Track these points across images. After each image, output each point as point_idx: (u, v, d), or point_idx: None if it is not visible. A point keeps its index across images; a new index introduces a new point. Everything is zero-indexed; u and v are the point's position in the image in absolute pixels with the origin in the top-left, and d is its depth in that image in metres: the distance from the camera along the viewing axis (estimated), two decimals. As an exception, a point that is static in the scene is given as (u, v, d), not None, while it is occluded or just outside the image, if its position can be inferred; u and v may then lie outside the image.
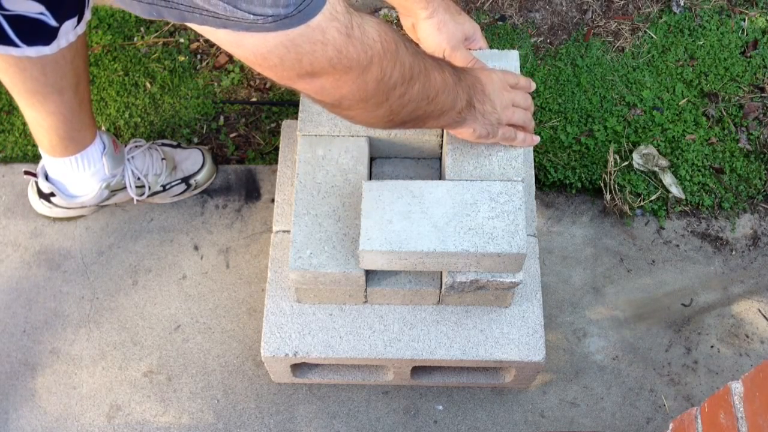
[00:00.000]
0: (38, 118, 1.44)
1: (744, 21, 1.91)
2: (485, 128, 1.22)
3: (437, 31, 1.30)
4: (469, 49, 1.35)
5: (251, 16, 0.77)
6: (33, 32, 1.13)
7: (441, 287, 1.35)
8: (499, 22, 1.92)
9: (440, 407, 1.56)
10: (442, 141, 1.40)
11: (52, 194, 1.60)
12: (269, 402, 1.56)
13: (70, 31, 1.20)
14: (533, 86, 1.31)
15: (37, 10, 1.09)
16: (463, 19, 1.33)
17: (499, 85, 1.22)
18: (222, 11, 0.76)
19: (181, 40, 1.90)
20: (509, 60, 1.37)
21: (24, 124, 1.71)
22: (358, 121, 1.04)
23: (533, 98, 1.81)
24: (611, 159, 1.71)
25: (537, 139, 1.30)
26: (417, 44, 1.08)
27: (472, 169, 1.29)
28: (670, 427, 1.09)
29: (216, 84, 1.85)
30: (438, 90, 1.07)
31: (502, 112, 1.23)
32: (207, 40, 1.91)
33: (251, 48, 0.82)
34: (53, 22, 1.13)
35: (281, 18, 0.78)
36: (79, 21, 1.20)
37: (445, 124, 1.18)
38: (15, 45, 1.12)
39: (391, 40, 0.94)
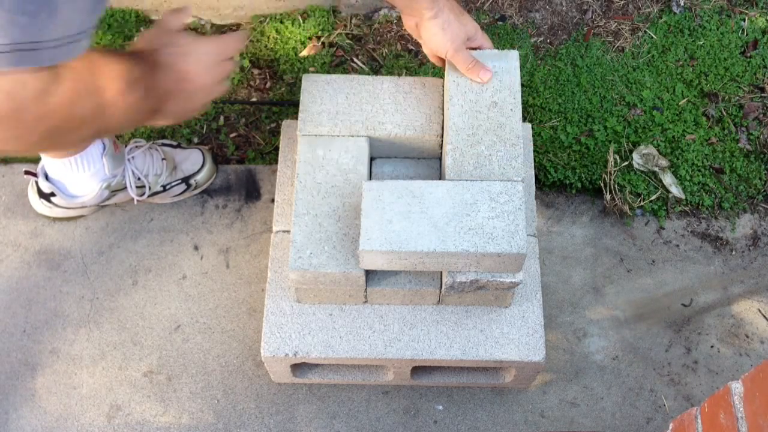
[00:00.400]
0: None
1: (744, 21, 1.91)
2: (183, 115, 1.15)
3: (442, 32, 1.30)
4: (471, 48, 1.36)
5: None
6: None
7: (441, 287, 1.35)
8: (499, 22, 1.92)
9: (440, 407, 1.56)
10: (442, 141, 1.40)
11: (53, 194, 1.60)
12: (269, 402, 1.56)
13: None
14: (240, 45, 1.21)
15: None
16: (466, 20, 1.33)
17: (208, 71, 1.13)
18: None
19: (181, 40, 1.90)
20: (509, 60, 1.37)
21: (24, 124, 1.71)
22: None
23: (534, 98, 1.81)
24: (611, 159, 1.71)
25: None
26: (114, 64, 0.96)
27: (472, 169, 1.29)
28: (670, 427, 1.09)
29: (216, 84, 1.84)
30: (123, 114, 0.99)
31: (204, 97, 1.15)
32: (207, 40, 1.91)
33: None
34: None
35: None
36: None
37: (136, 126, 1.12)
38: None
39: (81, 91, 0.87)
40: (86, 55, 0.87)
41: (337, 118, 1.39)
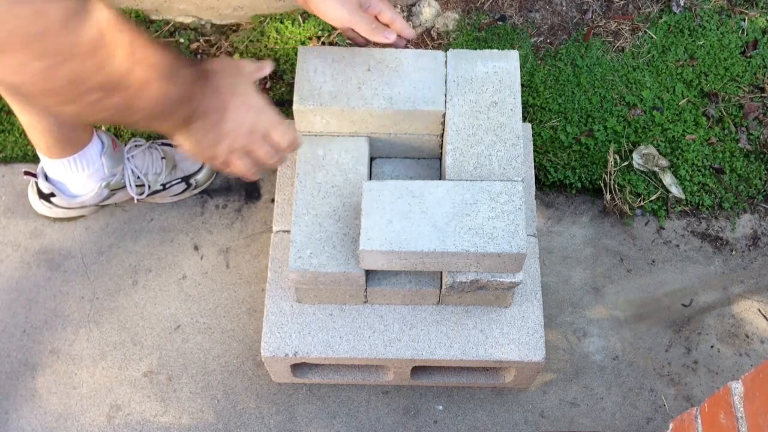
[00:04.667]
0: (32, 121, 1.44)
1: (744, 21, 1.91)
2: (202, 153, 1.10)
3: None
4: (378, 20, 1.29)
5: None
6: None
7: (441, 287, 1.35)
8: (499, 22, 1.92)
9: (440, 407, 1.56)
10: (442, 141, 1.40)
11: (52, 194, 1.60)
12: (269, 402, 1.56)
13: None
14: (293, 147, 1.17)
15: None
16: None
17: (247, 129, 1.10)
18: None
19: (181, 40, 1.90)
20: (509, 60, 1.37)
21: (24, 124, 1.71)
22: (40, 108, 0.91)
23: (534, 98, 1.81)
24: (611, 159, 1.71)
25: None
26: (157, 46, 0.93)
27: (472, 169, 1.29)
28: (670, 427, 1.09)
29: (216, 84, 1.84)
30: (152, 102, 0.94)
31: (226, 153, 1.11)
32: (207, 40, 1.91)
33: None
34: None
35: None
36: None
37: (157, 129, 1.07)
38: None
39: (110, 41, 0.83)
40: (134, 31, 0.86)
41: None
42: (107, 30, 0.82)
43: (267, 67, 1.15)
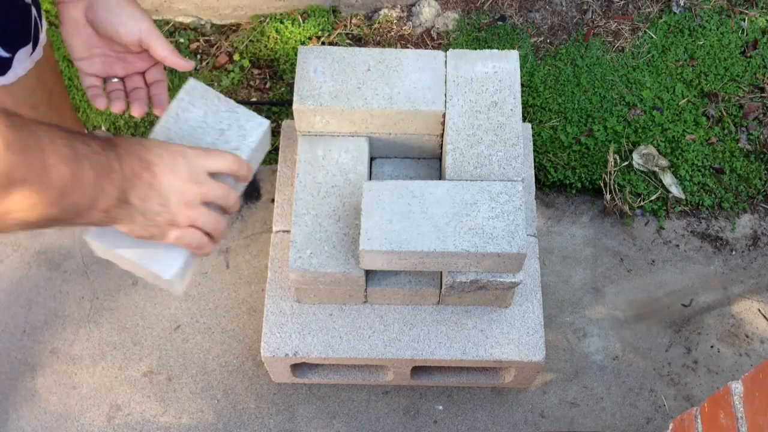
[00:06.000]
0: None
1: (744, 21, 1.91)
2: (146, 230, 0.88)
3: (128, 4, 0.99)
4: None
5: None
6: None
7: (441, 287, 1.35)
8: (499, 22, 1.92)
9: (440, 407, 1.56)
10: (442, 141, 1.40)
11: (52, 194, 1.59)
12: (269, 402, 1.56)
13: (25, 60, 1.14)
14: (249, 174, 0.97)
15: None
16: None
17: (185, 175, 0.89)
18: None
19: (181, 40, 1.90)
20: (509, 60, 1.37)
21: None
22: None
23: (534, 98, 1.81)
24: (611, 159, 1.71)
25: (210, 250, 0.95)
26: (47, 128, 0.75)
27: (472, 169, 1.29)
28: (670, 427, 1.09)
29: (216, 84, 1.84)
30: (63, 190, 0.76)
31: (179, 211, 0.89)
32: (207, 40, 1.91)
33: None
34: (4, 54, 1.08)
35: None
36: (34, 48, 1.13)
37: (86, 223, 0.84)
38: None
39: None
40: (12, 128, 0.71)
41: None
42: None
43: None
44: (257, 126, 1.01)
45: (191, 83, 1.02)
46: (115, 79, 1.06)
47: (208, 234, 0.93)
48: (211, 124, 1.01)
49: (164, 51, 1.01)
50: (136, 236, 0.89)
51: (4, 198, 0.71)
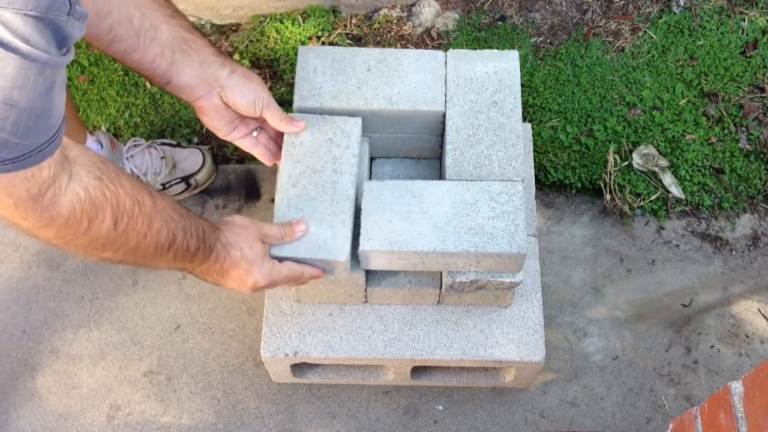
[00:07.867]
0: None
1: (744, 21, 1.91)
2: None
3: (248, 81, 1.19)
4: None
5: None
6: None
7: (441, 287, 1.35)
8: (499, 22, 1.92)
9: (440, 407, 1.56)
10: (442, 141, 1.40)
11: (52, 195, 1.60)
12: (269, 402, 1.55)
13: None
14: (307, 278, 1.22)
15: None
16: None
17: (249, 285, 1.17)
18: None
19: (181, 40, 1.90)
20: (509, 60, 1.37)
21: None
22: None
23: (534, 98, 1.81)
24: (611, 159, 1.71)
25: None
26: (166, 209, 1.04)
27: (472, 169, 1.29)
28: (670, 427, 1.09)
29: (216, 84, 1.84)
30: (146, 262, 1.07)
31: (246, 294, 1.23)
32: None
33: None
34: None
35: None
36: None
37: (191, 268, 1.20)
38: None
39: (91, 213, 0.91)
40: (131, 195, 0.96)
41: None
42: (86, 203, 0.89)
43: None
44: (354, 124, 1.28)
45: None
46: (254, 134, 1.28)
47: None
48: (318, 137, 1.27)
49: (274, 120, 1.24)
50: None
51: (114, 254, 1.00)
